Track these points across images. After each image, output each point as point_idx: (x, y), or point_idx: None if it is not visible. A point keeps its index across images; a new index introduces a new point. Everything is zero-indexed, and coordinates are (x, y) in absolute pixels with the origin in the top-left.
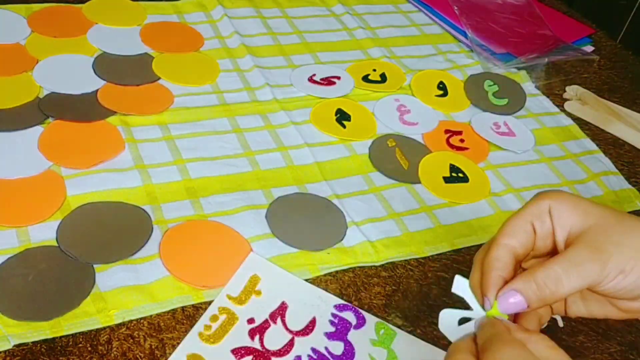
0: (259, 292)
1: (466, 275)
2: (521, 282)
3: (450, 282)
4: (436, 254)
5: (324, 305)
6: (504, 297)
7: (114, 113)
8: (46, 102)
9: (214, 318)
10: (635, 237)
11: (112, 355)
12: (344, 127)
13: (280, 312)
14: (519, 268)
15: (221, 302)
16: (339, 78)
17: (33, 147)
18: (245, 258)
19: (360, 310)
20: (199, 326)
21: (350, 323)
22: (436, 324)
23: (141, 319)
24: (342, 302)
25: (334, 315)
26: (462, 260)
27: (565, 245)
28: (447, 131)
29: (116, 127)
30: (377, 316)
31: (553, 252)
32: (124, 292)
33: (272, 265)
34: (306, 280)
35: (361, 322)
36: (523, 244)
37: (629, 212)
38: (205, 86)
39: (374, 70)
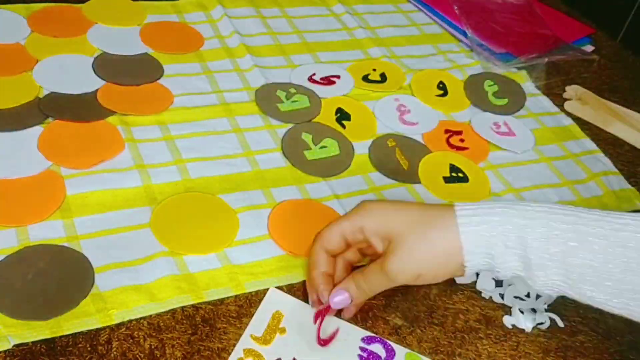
0: (283, 330)
1: None
2: (344, 284)
3: (449, 283)
4: None
5: (350, 338)
6: (334, 295)
7: (113, 113)
8: (46, 102)
9: None
10: (425, 247)
11: (112, 355)
12: (344, 127)
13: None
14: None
15: (245, 343)
16: (338, 77)
17: (33, 147)
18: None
19: (389, 342)
20: None
21: (379, 357)
22: (436, 324)
23: (141, 319)
24: (369, 334)
25: (362, 349)
26: None
27: (382, 249)
28: (447, 131)
29: (116, 127)
30: (403, 345)
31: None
32: (123, 292)
33: (294, 300)
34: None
35: (391, 355)
36: (335, 249)
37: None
38: (205, 86)
39: (374, 69)
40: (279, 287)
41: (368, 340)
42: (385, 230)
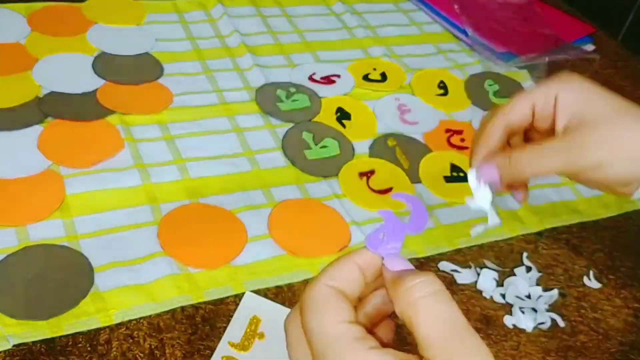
0: (262, 335)
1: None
2: (499, 158)
3: (449, 282)
4: (436, 254)
5: None
6: (483, 167)
7: (113, 112)
8: (46, 101)
9: None
10: (628, 133)
11: (112, 355)
12: (344, 126)
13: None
14: (519, 136)
15: (223, 350)
16: (339, 77)
17: (32, 146)
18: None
19: None
20: None
21: None
22: None
23: (141, 318)
24: None
25: None
26: (463, 260)
27: (562, 130)
28: (447, 130)
29: (115, 127)
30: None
31: (552, 131)
32: (123, 292)
33: (270, 303)
34: (306, 280)
35: None
36: (519, 121)
37: (628, 212)
38: (205, 85)
39: (374, 69)
40: (279, 287)
41: None
42: (583, 109)
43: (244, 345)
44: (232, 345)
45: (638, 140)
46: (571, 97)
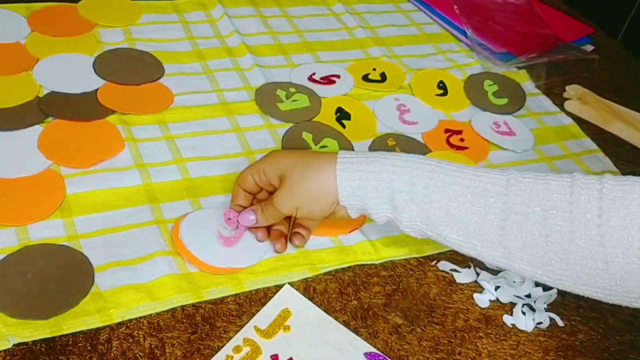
0: (287, 328)
1: None
2: (255, 205)
3: (449, 282)
4: (436, 254)
5: (353, 351)
6: (243, 213)
7: (113, 112)
8: (46, 101)
9: (237, 349)
10: (302, 185)
11: (112, 354)
12: (344, 126)
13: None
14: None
15: (247, 332)
16: (339, 77)
17: (33, 146)
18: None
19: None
20: (219, 356)
21: None
22: (436, 323)
23: (141, 318)
24: (373, 350)
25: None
26: (462, 259)
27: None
28: (447, 130)
29: (116, 126)
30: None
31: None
32: (123, 292)
33: (306, 301)
34: (306, 279)
35: None
36: (250, 188)
37: None
38: (205, 85)
39: (374, 69)
40: (279, 287)
41: (371, 356)
42: (277, 171)
43: (267, 332)
44: (257, 330)
45: (306, 184)
46: (270, 166)
